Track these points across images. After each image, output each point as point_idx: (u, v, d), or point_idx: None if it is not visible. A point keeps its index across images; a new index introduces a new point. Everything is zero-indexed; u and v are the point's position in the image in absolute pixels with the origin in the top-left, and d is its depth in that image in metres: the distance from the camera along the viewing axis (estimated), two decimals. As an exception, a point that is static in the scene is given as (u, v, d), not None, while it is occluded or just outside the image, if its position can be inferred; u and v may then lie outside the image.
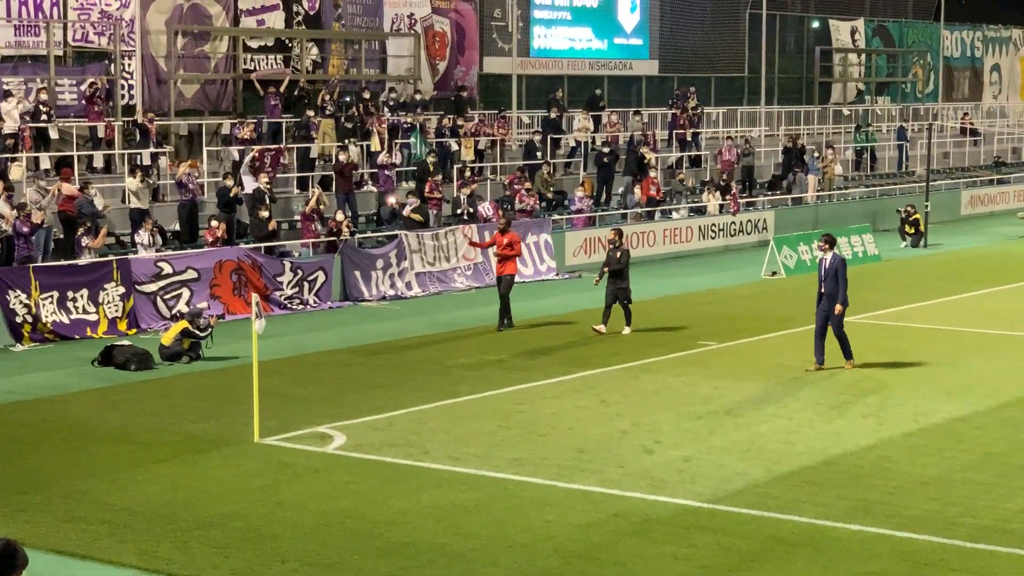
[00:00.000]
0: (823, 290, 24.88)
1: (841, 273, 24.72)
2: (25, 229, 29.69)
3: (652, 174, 45.11)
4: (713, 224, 44.74)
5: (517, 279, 36.40)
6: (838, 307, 24.67)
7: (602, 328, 28.94)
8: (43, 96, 35.93)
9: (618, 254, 29.35)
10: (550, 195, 42.95)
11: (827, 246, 25.05)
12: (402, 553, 15.02)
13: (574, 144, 47.59)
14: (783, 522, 16.12)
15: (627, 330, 29.07)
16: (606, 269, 29.44)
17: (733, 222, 45.06)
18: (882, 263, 41.93)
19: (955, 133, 65.54)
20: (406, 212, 36.60)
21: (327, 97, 42.05)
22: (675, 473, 18.27)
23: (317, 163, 40.01)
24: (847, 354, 25.09)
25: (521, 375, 24.84)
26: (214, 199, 35.39)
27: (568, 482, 17.78)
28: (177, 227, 34.58)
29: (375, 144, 39.86)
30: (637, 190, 43.71)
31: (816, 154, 52.14)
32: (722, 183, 46.22)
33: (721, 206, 45.09)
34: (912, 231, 45.91)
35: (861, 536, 15.55)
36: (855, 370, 25.01)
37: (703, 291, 35.48)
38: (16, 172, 32.94)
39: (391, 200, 37.74)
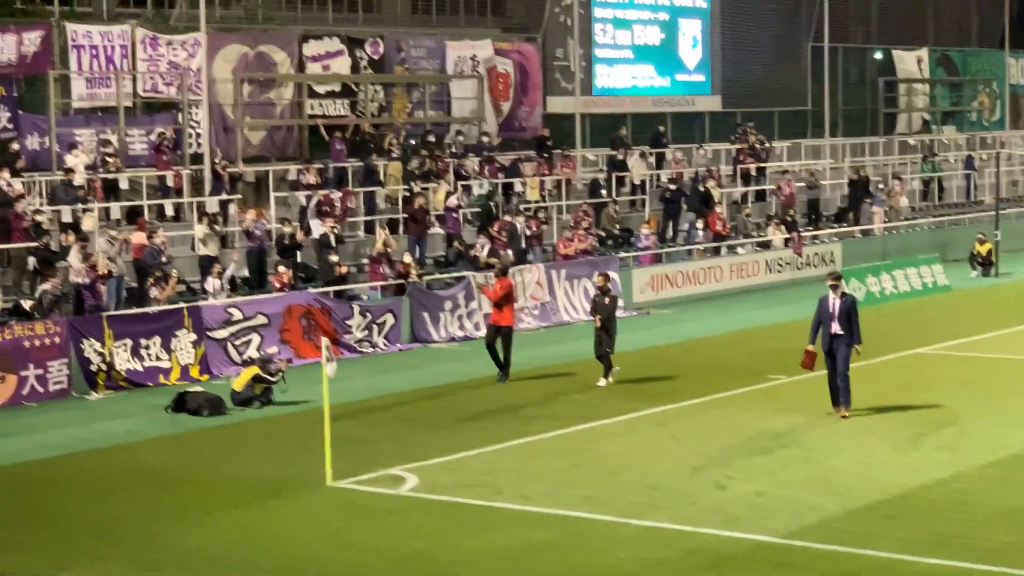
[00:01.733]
0: (832, 331, 23.52)
1: (854, 313, 23.64)
2: (87, 280, 29.93)
3: (718, 209, 44.98)
4: (779, 258, 44.51)
5: (583, 317, 36.49)
6: (859, 348, 23.68)
7: (603, 383, 27.39)
8: (108, 148, 36.31)
9: (606, 300, 28.01)
10: (616, 232, 42.91)
11: (836, 284, 23.88)
12: (476, 594, 15.00)
13: (638, 182, 47.51)
14: (859, 557, 15.97)
15: (603, 381, 27.38)
16: (597, 318, 27.76)
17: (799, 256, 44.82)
18: (952, 293, 41.57)
19: (1023, 161, 64.97)
20: (482, 257, 36.47)
21: (393, 141, 42.25)
22: (748, 508, 18.16)
23: (384, 206, 40.14)
24: (847, 400, 23.66)
25: (590, 413, 24.76)
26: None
27: (640, 519, 17.71)
28: (246, 273, 34.77)
29: (441, 193, 39.85)
30: (701, 224, 43.58)
31: (882, 186, 51.82)
32: (788, 219, 45.96)
33: (787, 240, 44.87)
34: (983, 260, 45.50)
35: (939, 570, 15.39)
36: (929, 403, 24.77)
37: (770, 325, 35.28)
38: (88, 223, 33.26)
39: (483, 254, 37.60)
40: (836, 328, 23.48)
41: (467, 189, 41.80)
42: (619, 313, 37.53)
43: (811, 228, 48.43)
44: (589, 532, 17.28)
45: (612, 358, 27.63)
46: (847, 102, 63.13)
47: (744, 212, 46.99)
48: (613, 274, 36.02)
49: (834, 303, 23.62)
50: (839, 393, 23.69)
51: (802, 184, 50.07)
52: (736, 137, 52.64)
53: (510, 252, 37.13)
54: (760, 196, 50.42)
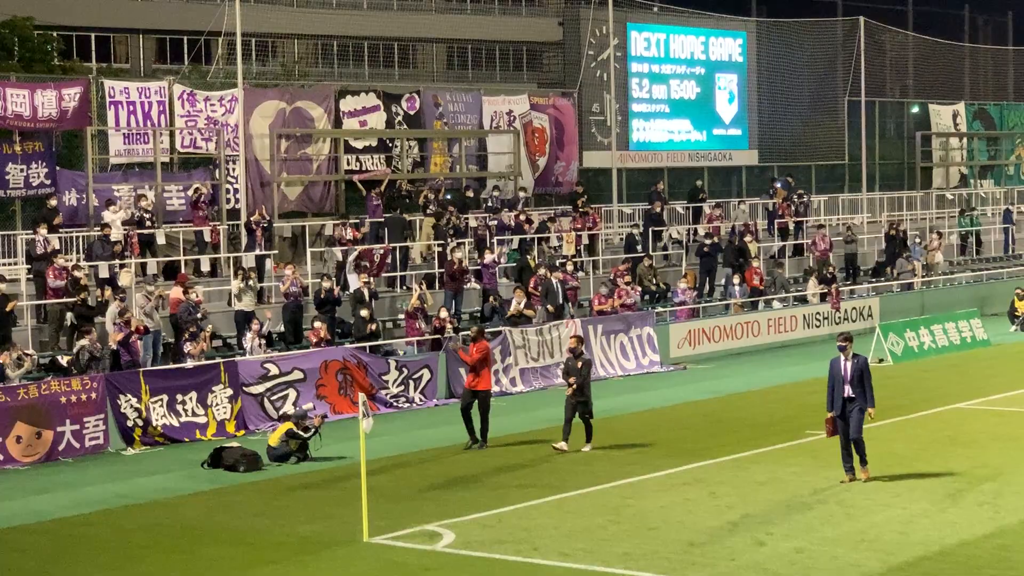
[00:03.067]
0: (845, 394, 22.60)
1: (867, 374, 22.74)
2: (123, 335, 30.08)
3: (755, 264, 44.95)
4: (817, 313, 44.42)
5: (619, 372, 36.44)
6: (871, 411, 22.71)
7: (563, 446, 26.35)
8: (143, 203, 36.56)
9: (579, 364, 26.75)
10: (653, 288, 42.91)
11: (847, 345, 22.94)
12: (514, 651, 14.94)
13: (676, 236, 47.55)
14: (901, 614, 15.86)
15: (587, 447, 26.50)
16: (571, 382, 26.62)
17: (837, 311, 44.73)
18: (991, 348, 41.38)
19: (1061, 215, 64.77)
20: (519, 309, 36.48)
21: (429, 196, 42.42)
22: (788, 565, 18.07)
23: (419, 261, 40.24)
24: (863, 460, 22.85)
25: (629, 468, 24.70)
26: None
27: (680, 575, 17.65)
28: (282, 328, 34.89)
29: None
30: (737, 279, 43.54)
31: (919, 240, 51.71)
32: (827, 274, 45.88)
33: (824, 295, 44.79)
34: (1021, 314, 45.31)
35: (981, 627, 15.28)
36: (969, 458, 24.64)
37: (809, 380, 35.10)
38: (125, 278, 33.46)
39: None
40: (849, 391, 22.62)
41: (503, 244, 41.91)
42: (656, 369, 37.79)
43: (849, 282, 48.36)
44: (628, 589, 17.22)
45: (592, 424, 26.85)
46: (884, 156, 63.12)
47: (778, 269, 46.79)
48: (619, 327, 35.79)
49: (846, 365, 22.74)
50: (851, 459, 22.85)
51: (839, 238, 50.04)
52: (771, 192, 52.63)
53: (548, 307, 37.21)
54: (798, 250, 50.38)
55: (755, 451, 26.02)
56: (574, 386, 26.43)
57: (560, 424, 26.82)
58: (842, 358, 22.78)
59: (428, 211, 41.50)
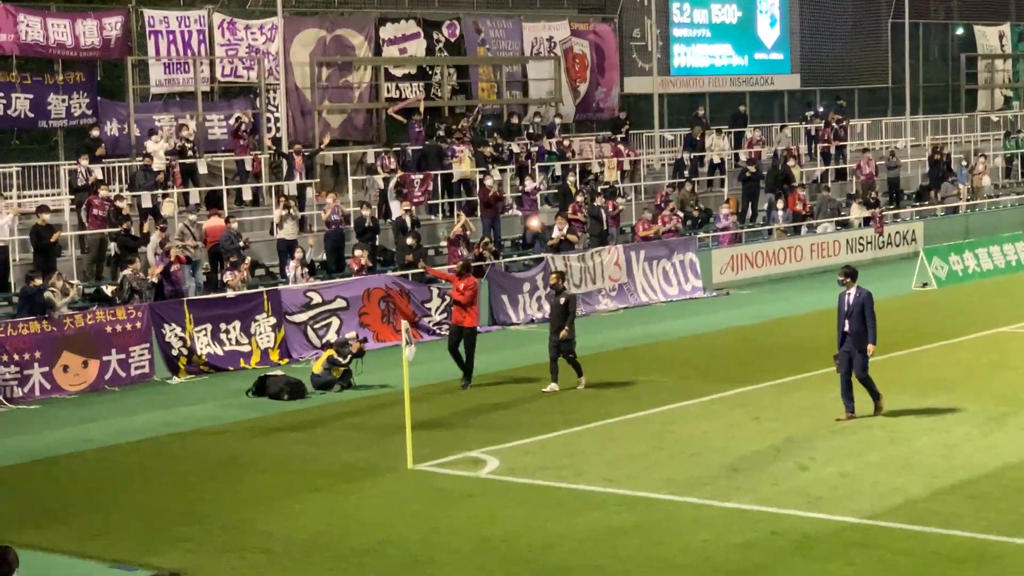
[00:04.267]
0: (846, 329, 21.99)
1: (868, 309, 21.94)
2: (159, 267, 30.19)
3: (798, 189, 44.71)
4: (860, 237, 44.18)
5: (661, 298, 36.36)
6: (871, 347, 21.93)
7: (553, 387, 25.42)
8: (185, 132, 36.57)
9: (562, 300, 25.61)
10: (696, 213, 42.75)
11: (849, 280, 22.19)
12: (559, 576, 15.02)
13: (717, 161, 47.32)
14: (945, 537, 15.85)
15: (581, 382, 25.61)
16: (563, 335, 25.36)
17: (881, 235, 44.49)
18: (1036, 271, 41.15)
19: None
20: (560, 234, 36.39)
21: (469, 123, 42.27)
22: (831, 490, 18.07)
23: (461, 189, 40.18)
24: (875, 396, 22.20)
25: (671, 395, 24.69)
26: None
27: (723, 501, 17.66)
28: (324, 257, 34.93)
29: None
30: (781, 204, 43.31)
31: (964, 163, 51.30)
32: (871, 199, 45.59)
33: (868, 219, 44.51)
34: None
35: (1025, 550, 15.26)
36: (1014, 382, 24.53)
37: (853, 305, 34.97)
38: (167, 208, 33.53)
39: (533, 223, 37.70)
40: (848, 326, 21.97)
41: (544, 171, 41.79)
42: (698, 295, 37.68)
43: (892, 207, 48.06)
44: (672, 514, 17.25)
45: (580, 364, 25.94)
46: (928, 79, 62.50)
47: (825, 192, 46.52)
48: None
49: (847, 299, 22.11)
50: (851, 396, 22.09)
51: (882, 162, 49.68)
52: (810, 117, 52.29)
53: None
54: (840, 175, 50.09)
55: (798, 376, 25.95)
56: (564, 333, 25.25)
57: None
58: (845, 292, 22.17)
59: (468, 138, 41.36)
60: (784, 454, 20.05)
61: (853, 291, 22.09)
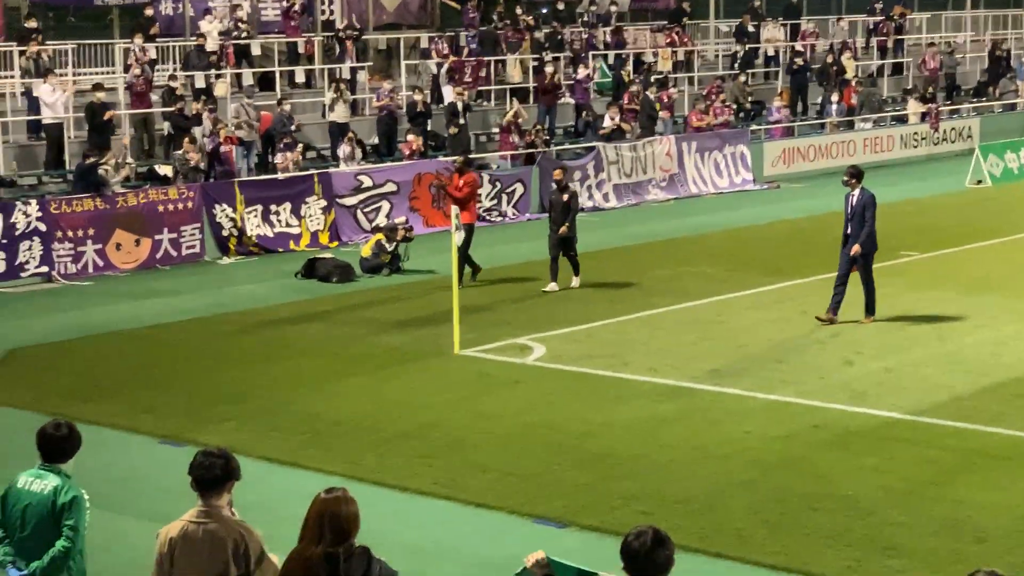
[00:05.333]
0: (848, 231, 21.25)
1: (869, 211, 21.06)
2: (211, 146, 30.24)
3: (853, 83, 44.24)
4: (915, 133, 43.73)
5: (712, 190, 36.19)
6: (856, 248, 21.01)
7: (553, 287, 24.44)
8: (239, 14, 36.43)
9: (564, 197, 24.75)
10: (748, 106, 42.40)
11: (854, 180, 21.33)
12: (601, 464, 15.06)
13: (772, 53, 46.83)
14: (987, 435, 15.81)
15: (575, 281, 24.73)
16: (562, 231, 24.48)
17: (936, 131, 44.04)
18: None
19: None
20: (613, 123, 36.17)
21: (525, 10, 41.95)
22: (876, 385, 18.02)
23: (515, 76, 39.94)
24: (869, 308, 21.43)
25: (719, 286, 24.62)
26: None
27: (767, 393, 17.65)
28: (376, 141, 34.88)
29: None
30: (836, 98, 42.88)
31: (1023, 60, 50.60)
32: (928, 94, 45.07)
33: (923, 114, 44.05)
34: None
35: (1070, 450, 15.20)
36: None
37: (905, 200, 34.74)
38: (220, 89, 33.50)
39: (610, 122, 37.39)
40: (849, 227, 21.24)
41: (598, 59, 41.50)
42: (748, 187, 37.46)
43: (949, 103, 47.51)
44: (716, 405, 17.26)
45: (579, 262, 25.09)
46: (990, -27, 61.43)
47: (871, 88, 45.77)
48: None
49: (851, 200, 21.29)
50: (840, 296, 21.29)
51: (941, 57, 49.04)
52: (874, 8, 51.58)
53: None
54: (897, 69, 49.49)
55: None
56: (564, 231, 24.43)
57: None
58: (849, 192, 21.38)
59: (525, 25, 41.05)
60: (830, 348, 19.99)
61: (857, 192, 21.27)
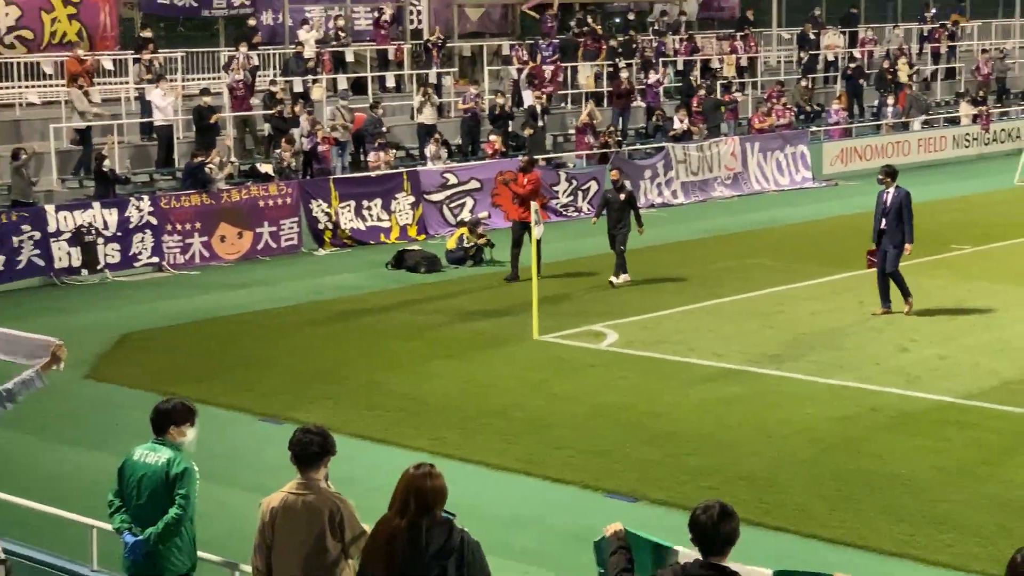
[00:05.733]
0: (883, 227, 20.73)
1: (907, 208, 20.62)
2: (313, 145, 30.37)
3: (907, 87, 43.82)
4: (967, 134, 43.25)
5: (774, 187, 35.96)
6: (908, 247, 20.69)
7: (626, 277, 23.92)
8: (339, 23, 36.60)
9: (621, 196, 24.03)
10: (808, 108, 42.10)
11: (888, 179, 20.81)
12: (669, 442, 15.02)
13: (831, 59, 46.44)
14: (1036, 418, 15.63)
15: (616, 279, 23.93)
16: (640, 227, 24.16)
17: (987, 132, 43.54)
18: None
19: None
20: (682, 125, 36.02)
21: (599, 19, 41.86)
22: (929, 371, 17.85)
23: (590, 81, 39.86)
24: (905, 293, 20.98)
25: (781, 277, 24.47)
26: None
27: (826, 378, 17.53)
28: (460, 141, 34.92)
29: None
30: (891, 100, 42.48)
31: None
32: (979, 97, 44.57)
33: (975, 116, 43.56)
34: None
35: (1114, 433, 14.99)
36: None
37: (956, 198, 34.39)
38: (317, 93, 33.67)
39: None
40: (883, 223, 20.70)
41: (668, 65, 41.33)
42: (808, 185, 37.18)
43: (999, 105, 46.97)
44: (778, 389, 17.16)
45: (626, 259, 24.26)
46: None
47: (921, 93, 45.23)
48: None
49: (885, 198, 20.78)
50: (888, 292, 20.97)
51: (991, 62, 48.50)
52: (926, 17, 51.03)
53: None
54: (950, 74, 48.98)
55: (902, 263, 25.48)
56: (641, 231, 23.96)
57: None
58: (883, 190, 20.91)
59: (599, 33, 40.96)
60: (886, 336, 19.82)
61: (892, 190, 20.79)
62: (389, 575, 7.60)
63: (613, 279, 23.96)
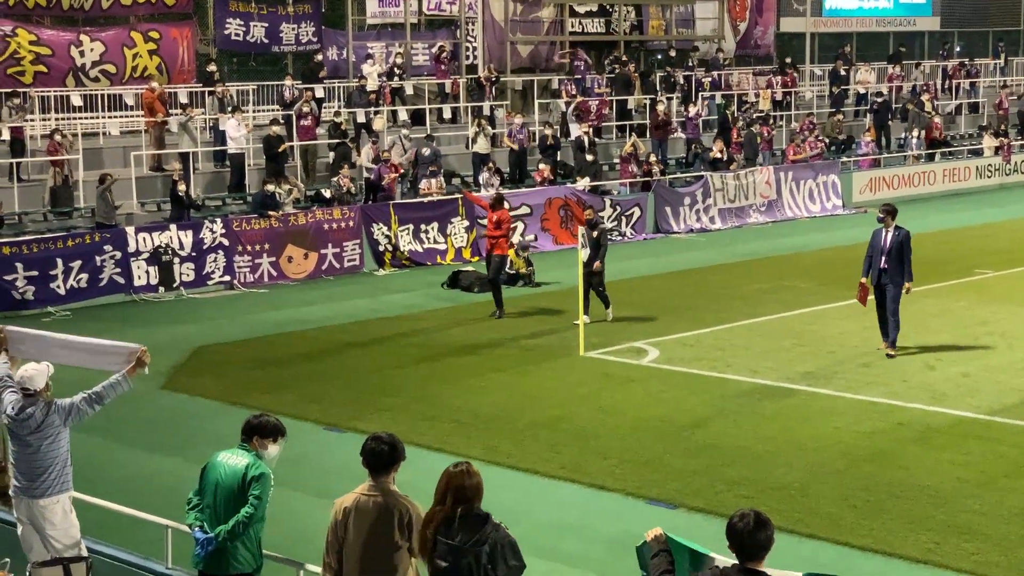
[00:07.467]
0: (883, 265, 19.48)
1: (907, 248, 19.48)
2: (376, 173, 30.46)
3: (935, 120, 43.57)
4: (989, 164, 42.92)
5: (806, 214, 35.78)
6: (908, 285, 19.60)
7: (585, 319, 21.24)
8: (399, 59, 36.75)
9: (595, 233, 22.08)
10: (840, 140, 41.92)
11: (889, 218, 19.61)
12: (708, 453, 14.94)
13: (862, 92, 46.24)
14: (1055, 434, 15.45)
15: (609, 313, 22.46)
16: (595, 267, 22.05)
17: (1008, 163, 43.21)
18: None
19: None
20: (719, 155, 35.93)
21: (642, 55, 41.81)
22: (955, 387, 17.69)
23: (634, 113, 39.84)
24: (893, 339, 19.65)
25: (812, 298, 24.35)
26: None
27: (855, 394, 17.41)
28: (509, 169, 34.93)
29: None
30: (917, 133, 42.24)
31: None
32: (1000, 130, 44.27)
33: (997, 148, 43.25)
34: None
35: None
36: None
37: (979, 225, 34.11)
38: (378, 123, 33.77)
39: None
40: (884, 262, 19.53)
41: (707, 100, 41.24)
42: (839, 212, 36.97)
43: (1020, 138, 46.62)
44: (809, 403, 17.05)
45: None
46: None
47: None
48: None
49: (885, 236, 19.57)
50: (888, 329, 19.74)
51: (1013, 97, 48.18)
52: (943, 54, 50.83)
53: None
54: (973, 108, 48.70)
55: (928, 286, 25.31)
56: (597, 265, 22.00)
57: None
58: (883, 229, 19.70)
59: (641, 69, 40.92)
60: (913, 355, 19.65)
61: (892, 230, 19.58)
62: (423, 555, 8.04)
63: (608, 314, 22.48)
